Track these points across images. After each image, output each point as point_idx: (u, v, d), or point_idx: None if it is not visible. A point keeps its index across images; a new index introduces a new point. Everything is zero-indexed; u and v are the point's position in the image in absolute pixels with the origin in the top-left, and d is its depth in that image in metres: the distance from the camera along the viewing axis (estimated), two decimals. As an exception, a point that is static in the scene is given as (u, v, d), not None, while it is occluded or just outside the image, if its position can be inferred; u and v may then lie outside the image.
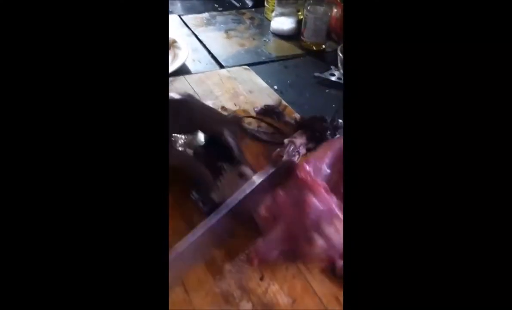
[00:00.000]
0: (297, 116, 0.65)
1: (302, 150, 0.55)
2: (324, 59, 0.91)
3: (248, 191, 0.44)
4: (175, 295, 0.39)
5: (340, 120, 0.67)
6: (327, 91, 0.79)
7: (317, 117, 0.59)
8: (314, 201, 0.41)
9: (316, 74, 0.82)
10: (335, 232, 0.40)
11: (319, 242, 0.40)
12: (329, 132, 0.56)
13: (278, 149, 0.54)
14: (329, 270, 0.42)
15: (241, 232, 0.45)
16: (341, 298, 0.40)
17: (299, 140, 0.55)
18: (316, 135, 0.55)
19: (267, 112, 0.64)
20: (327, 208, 0.41)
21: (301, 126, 0.58)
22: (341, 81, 0.80)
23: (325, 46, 0.94)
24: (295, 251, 0.42)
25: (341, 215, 0.41)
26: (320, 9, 0.89)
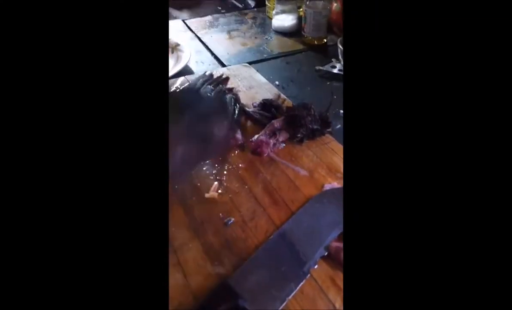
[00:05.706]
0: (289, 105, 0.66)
1: (284, 135, 0.60)
2: (325, 53, 0.92)
3: None
4: (174, 280, 0.40)
5: (341, 112, 0.68)
6: (328, 83, 0.80)
7: (302, 104, 0.62)
8: None
9: (318, 67, 0.83)
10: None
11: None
12: (309, 118, 0.59)
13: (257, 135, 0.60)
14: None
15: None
16: (337, 279, 0.40)
17: (278, 122, 0.61)
18: (296, 120, 0.59)
19: (265, 106, 0.66)
20: None
21: (288, 112, 0.62)
22: (342, 73, 0.80)
23: (326, 40, 0.95)
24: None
25: None
26: (319, 3, 0.90)
